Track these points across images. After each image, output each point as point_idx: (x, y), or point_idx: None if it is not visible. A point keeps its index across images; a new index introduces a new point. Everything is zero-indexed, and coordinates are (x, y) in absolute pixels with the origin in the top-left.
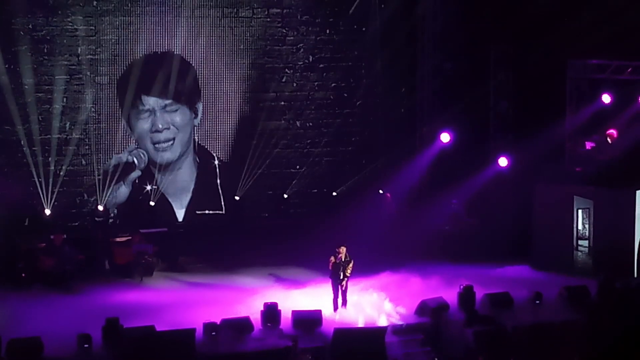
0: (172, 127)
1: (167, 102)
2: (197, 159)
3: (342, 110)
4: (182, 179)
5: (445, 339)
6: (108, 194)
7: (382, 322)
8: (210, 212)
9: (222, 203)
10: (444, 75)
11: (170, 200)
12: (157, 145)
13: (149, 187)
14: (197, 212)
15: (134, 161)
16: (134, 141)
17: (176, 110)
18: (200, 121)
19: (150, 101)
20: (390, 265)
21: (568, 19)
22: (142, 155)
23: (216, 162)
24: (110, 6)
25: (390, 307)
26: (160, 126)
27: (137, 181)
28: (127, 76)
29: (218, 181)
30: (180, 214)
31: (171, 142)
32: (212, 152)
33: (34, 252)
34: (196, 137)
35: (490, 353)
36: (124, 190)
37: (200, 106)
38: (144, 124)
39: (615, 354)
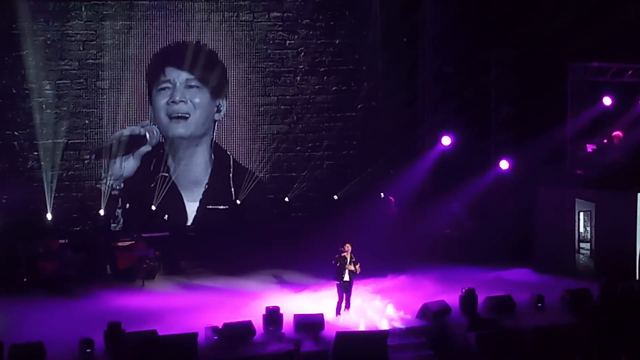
0: (189, 102)
1: (189, 76)
2: (213, 157)
3: (343, 114)
4: (196, 170)
5: (447, 343)
6: (116, 165)
7: (384, 326)
8: (222, 207)
9: (234, 200)
10: (445, 78)
11: (181, 191)
12: (171, 118)
13: (163, 174)
14: (208, 206)
15: (146, 135)
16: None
17: (196, 88)
18: (223, 118)
19: (173, 73)
20: (392, 268)
21: (569, 21)
22: (154, 132)
23: (231, 161)
24: (110, 11)
25: (392, 311)
26: (177, 98)
27: (150, 167)
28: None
29: (231, 175)
30: (190, 207)
31: (186, 116)
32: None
33: (36, 257)
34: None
35: (492, 356)
36: (131, 164)
37: (224, 103)
38: (161, 99)
39: (618, 357)
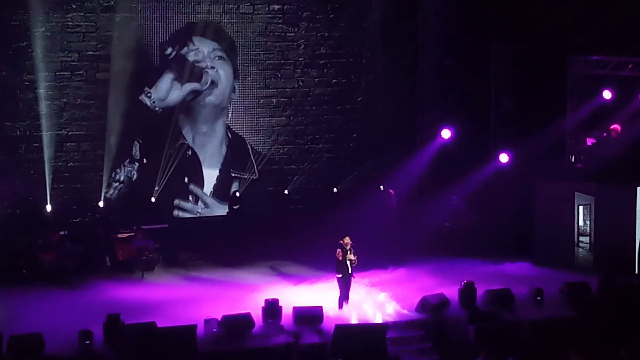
0: (217, 70)
1: (215, 46)
2: (230, 135)
3: (342, 107)
4: (213, 144)
5: (446, 336)
6: (165, 83)
7: (383, 318)
8: (246, 175)
9: (256, 168)
10: (445, 71)
11: (200, 158)
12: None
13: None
14: (232, 172)
15: (203, 75)
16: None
17: (221, 58)
18: (237, 99)
19: (201, 42)
20: (391, 261)
21: (569, 15)
22: (209, 80)
23: (248, 141)
24: (110, 2)
25: (390, 304)
26: (209, 64)
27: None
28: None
29: (250, 151)
30: (210, 175)
31: (215, 85)
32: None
33: (35, 248)
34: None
35: (491, 349)
36: (177, 94)
37: (237, 85)
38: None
39: (616, 350)
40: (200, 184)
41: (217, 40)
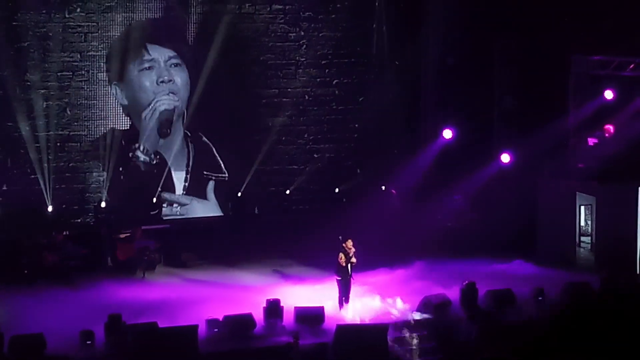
0: (174, 79)
1: (171, 54)
2: (188, 133)
3: (344, 107)
4: (177, 147)
5: (447, 336)
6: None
7: (384, 318)
8: (214, 175)
9: (224, 167)
10: (448, 70)
11: (168, 162)
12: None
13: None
14: (205, 173)
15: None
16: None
17: (177, 66)
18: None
19: (155, 51)
20: (393, 261)
21: (571, 14)
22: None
23: (204, 138)
24: (112, 2)
25: (392, 304)
26: (165, 77)
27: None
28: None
29: (214, 150)
30: (179, 177)
31: (175, 95)
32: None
33: (37, 248)
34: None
35: (492, 349)
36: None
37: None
38: (146, 80)
39: (617, 350)
40: (171, 189)
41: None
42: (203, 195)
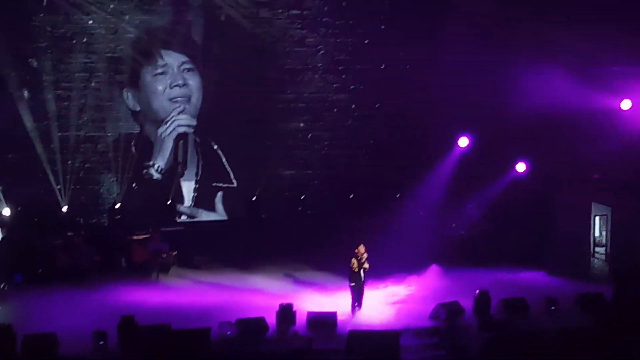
0: (188, 84)
1: (184, 59)
2: (197, 139)
3: (360, 113)
4: (188, 156)
5: (459, 343)
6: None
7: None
8: (224, 185)
9: (232, 177)
10: (463, 77)
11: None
12: (174, 101)
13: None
14: (214, 184)
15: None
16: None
17: (191, 70)
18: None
19: (169, 57)
20: (406, 269)
21: None
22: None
23: (215, 146)
24: (130, 5)
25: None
26: (180, 82)
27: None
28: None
29: (224, 159)
30: (188, 188)
31: (187, 100)
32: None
33: (51, 248)
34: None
35: (504, 358)
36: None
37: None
38: (159, 85)
39: None
40: (180, 200)
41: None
42: (211, 207)
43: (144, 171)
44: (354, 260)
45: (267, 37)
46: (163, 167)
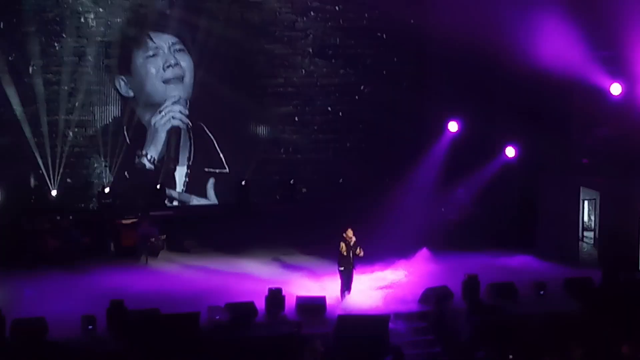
0: (180, 64)
1: (174, 40)
2: (189, 123)
3: (350, 97)
4: (180, 143)
5: (448, 328)
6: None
7: (385, 309)
8: (216, 170)
9: (224, 162)
10: (452, 62)
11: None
12: (168, 84)
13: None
14: (205, 169)
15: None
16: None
17: (181, 51)
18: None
19: (159, 39)
20: (395, 253)
21: None
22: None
23: (207, 129)
24: None
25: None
26: (172, 62)
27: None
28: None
29: (215, 143)
30: (180, 174)
31: (180, 79)
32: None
33: (39, 232)
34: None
35: (493, 342)
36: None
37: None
38: (152, 67)
39: (617, 345)
40: (172, 185)
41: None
42: (203, 193)
43: (137, 160)
44: (342, 244)
45: (257, 21)
46: (156, 157)
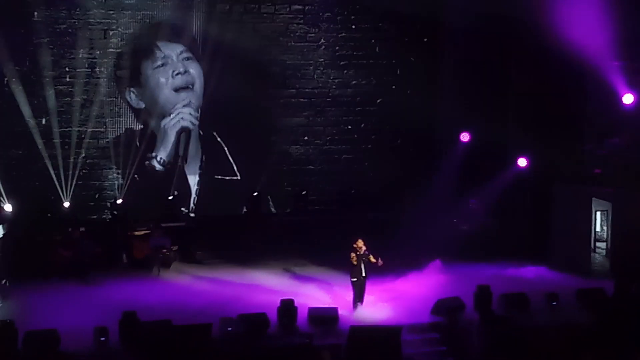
0: (189, 71)
1: (182, 48)
2: (201, 132)
3: (362, 108)
4: (191, 145)
5: (460, 339)
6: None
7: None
8: (227, 177)
9: (235, 169)
10: (465, 73)
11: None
12: (178, 92)
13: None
14: (216, 176)
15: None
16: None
17: (190, 59)
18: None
19: (167, 48)
20: (407, 264)
21: None
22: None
23: (219, 138)
24: (131, 0)
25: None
26: (181, 69)
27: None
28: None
29: (226, 150)
30: (192, 180)
31: (191, 87)
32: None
33: (52, 244)
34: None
35: (505, 354)
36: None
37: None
38: (162, 77)
39: (630, 357)
40: (187, 191)
41: (180, 38)
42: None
43: (146, 162)
44: (352, 255)
45: (269, 32)
46: (165, 159)
